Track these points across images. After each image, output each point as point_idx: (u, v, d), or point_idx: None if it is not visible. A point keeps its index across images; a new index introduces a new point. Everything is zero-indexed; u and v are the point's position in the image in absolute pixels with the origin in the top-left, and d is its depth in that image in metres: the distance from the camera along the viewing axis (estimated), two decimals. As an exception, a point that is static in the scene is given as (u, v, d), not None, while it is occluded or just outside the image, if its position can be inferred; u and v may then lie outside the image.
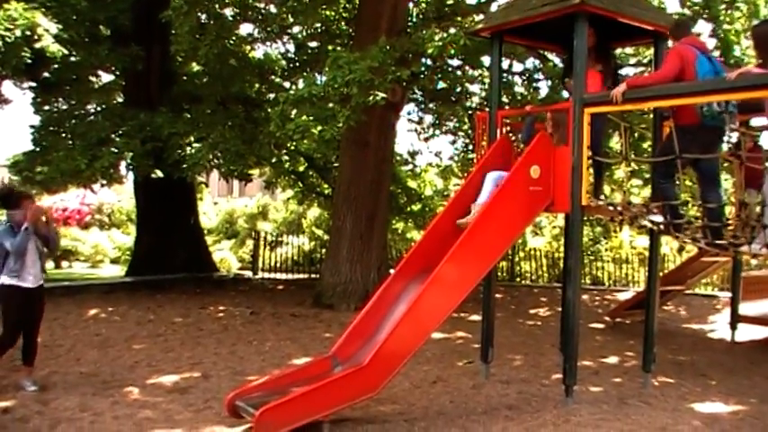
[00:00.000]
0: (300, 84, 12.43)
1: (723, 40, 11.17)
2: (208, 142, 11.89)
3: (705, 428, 5.55)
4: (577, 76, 5.98)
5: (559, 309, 8.93)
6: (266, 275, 17.53)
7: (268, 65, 15.08)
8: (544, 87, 13.91)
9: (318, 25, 14.35)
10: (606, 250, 18.91)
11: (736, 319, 9.83)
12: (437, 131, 16.11)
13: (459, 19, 12.43)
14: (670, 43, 6.43)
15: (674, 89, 5.54)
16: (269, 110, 11.98)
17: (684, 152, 5.59)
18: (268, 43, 15.18)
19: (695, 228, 6.12)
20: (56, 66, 12.02)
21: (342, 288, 11.69)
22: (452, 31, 10.76)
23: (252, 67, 14.39)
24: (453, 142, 16.39)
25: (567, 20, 5.96)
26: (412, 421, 5.59)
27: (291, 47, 15.42)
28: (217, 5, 11.47)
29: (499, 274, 16.64)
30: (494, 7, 11.32)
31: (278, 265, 18.47)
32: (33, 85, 13.27)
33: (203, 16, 11.31)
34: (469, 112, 14.24)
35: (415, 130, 16.31)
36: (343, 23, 14.46)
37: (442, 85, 14.06)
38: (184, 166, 11.87)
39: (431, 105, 15.36)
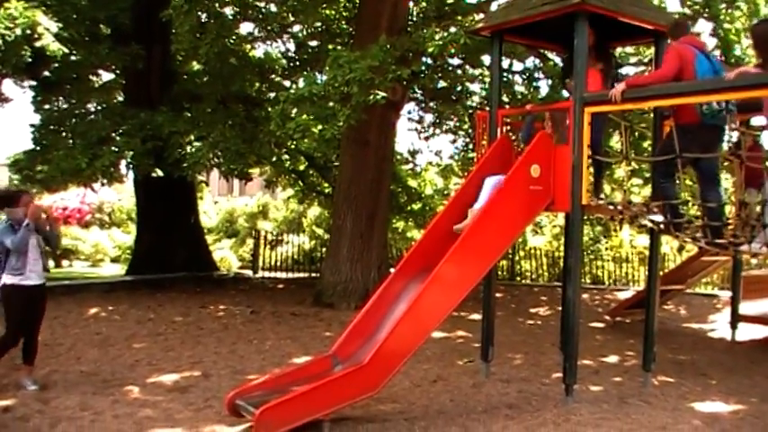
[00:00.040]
0: (301, 83, 12.41)
1: (723, 39, 11.17)
2: (208, 141, 11.90)
3: (705, 428, 5.55)
4: (578, 76, 5.98)
5: (559, 308, 8.93)
6: (266, 274, 17.54)
7: (268, 64, 15.08)
8: (544, 87, 13.92)
9: (319, 24, 14.35)
10: (606, 249, 18.91)
11: (736, 319, 9.83)
12: (437, 130, 16.10)
13: (459, 18, 12.42)
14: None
15: (674, 89, 5.55)
16: (269, 109, 11.97)
17: (685, 151, 5.59)
18: (268, 42, 15.20)
19: (695, 227, 6.12)
20: (56, 64, 12.03)
21: (342, 287, 11.69)
22: (453, 30, 10.75)
23: (252, 66, 14.39)
24: (453, 141, 16.39)
25: (568, 19, 5.96)
26: (412, 420, 5.59)
27: (292, 46, 15.43)
28: (217, 4, 11.47)
29: (499, 273, 16.64)
30: (494, 6, 11.33)
31: (278, 264, 18.47)
32: (34, 83, 13.28)
33: (204, 15, 11.31)
34: (470, 111, 14.23)
35: (416, 129, 16.30)
36: (343, 22, 14.45)
37: (442, 84, 14.06)
38: (185, 164, 11.87)
39: (431, 104, 15.35)
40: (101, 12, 12.67)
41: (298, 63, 14.95)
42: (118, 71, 14.45)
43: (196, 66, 15.17)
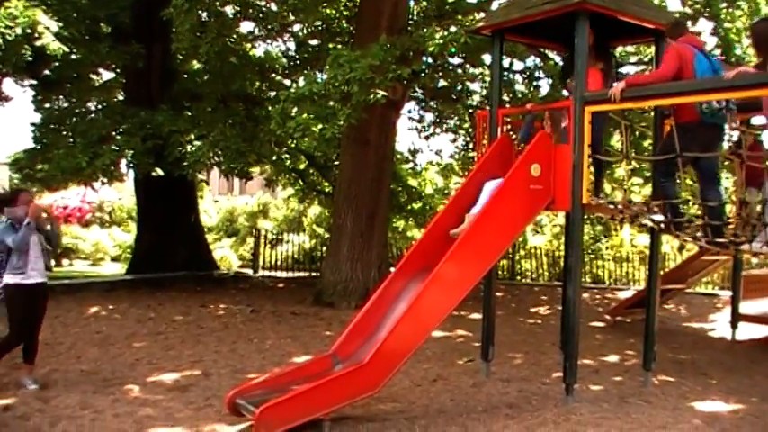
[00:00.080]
0: (301, 82, 12.42)
1: (724, 38, 11.16)
2: (208, 140, 11.89)
3: (705, 427, 5.55)
4: (578, 75, 5.98)
5: (560, 307, 8.93)
6: (267, 273, 17.55)
7: (269, 63, 15.08)
8: (545, 86, 13.92)
9: (319, 23, 14.34)
10: (607, 249, 18.91)
11: (736, 318, 9.83)
12: (438, 130, 16.08)
13: (459, 17, 12.41)
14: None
15: (673, 88, 5.55)
16: (270, 108, 11.97)
17: (685, 150, 5.60)
18: (269, 41, 15.18)
19: (696, 226, 6.12)
20: (56, 63, 12.04)
21: (342, 286, 11.69)
22: (453, 29, 10.76)
23: (252, 65, 14.38)
24: (454, 141, 16.38)
25: (568, 18, 5.96)
26: (412, 419, 5.59)
27: (292, 45, 15.42)
28: (217, 3, 11.45)
29: (500, 272, 16.64)
30: (495, 5, 11.31)
31: (278, 263, 18.48)
32: (34, 82, 13.28)
33: (204, 14, 11.30)
34: (470, 110, 14.22)
35: (416, 129, 16.28)
36: (343, 21, 14.45)
37: (442, 83, 14.04)
38: (185, 163, 11.87)
39: (431, 104, 15.34)
40: (101, 10, 12.66)
41: (298, 62, 14.94)
42: (118, 70, 14.44)
43: (196, 65, 15.17)
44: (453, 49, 9.79)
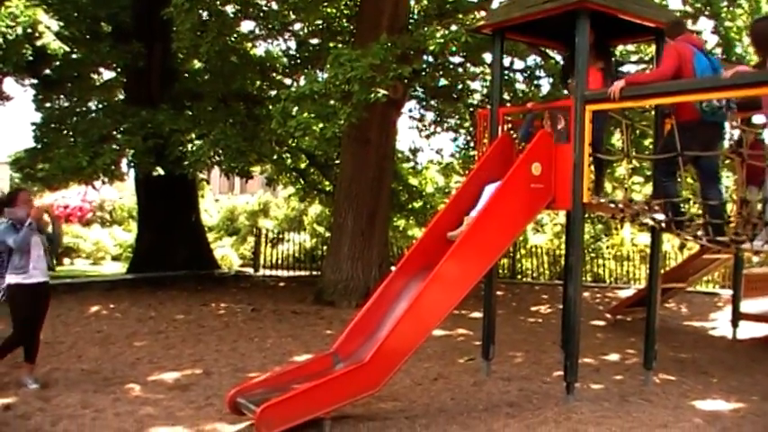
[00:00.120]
0: (302, 81, 12.42)
1: (725, 37, 11.16)
2: (209, 139, 11.89)
3: (706, 426, 5.55)
4: (579, 74, 5.97)
5: (560, 306, 8.93)
6: (267, 272, 17.54)
7: (269, 62, 15.09)
8: (545, 85, 13.92)
9: (320, 22, 14.34)
10: (607, 247, 18.92)
11: (737, 317, 9.83)
12: (438, 129, 16.09)
13: (460, 16, 12.41)
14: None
15: (673, 86, 5.56)
16: (270, 107, 11.97)
17: (685, 149, 5.60)
18: (269, 40, 15.18)
19: (697, 225, 6.12)
20: (57, 63, 12.06)
21: (343, 285, 11.69)
22: (454, 28, 10.75)
23: (253, 65, 14.39)
24: (455, 139, 16.39)
25: (569, 17, 5.95)
26: (413, 418, 5.59)
27: (293, 44, 15.42)
28: (218, 2, 11.45)
29: (500, 271, 16.64)
30: (495, 4, 11.30)
31: (279, 262, 18.47)
32: (35, 82, 13.30)
33: (204, 13, 11.30)
34: (471, 109, 14.22)
35: (417, 128, 16.30)
36: (344, 20, 14.44)
37: (443, 82, 14.04)
38: (186, 163, 11.87)
39: (432, 102, 15.34)
40: (101, 10, 12.68)
41: (299, 61, 14.94)
42: (119, 69, 14.44)
43: (197, 64, 15.17)
44: (454, 48, 9.79)
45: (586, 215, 8.62)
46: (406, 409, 5.88)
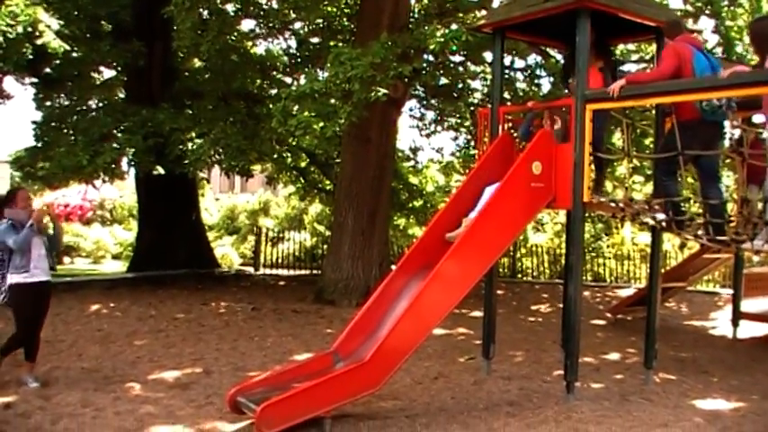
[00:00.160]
0: (302, 80, 12.42)
1: (725, 36, 11.15)
2: (209, 138, 11.89)
3: (707, 425, 5.55)
4: (580, 73, 5.97)
5: (561, 305, 8.93)
6: (268, 271, 17.54)
7: (270, 61, 15.07)
8: (546, 84, 13.92)
9: (320, 21, 14.33)
10: (608, 247, 18.91)
11: (737, 316, 9.83)
12: (439, 127, 16.09)
13: (460, 15, 12.41)
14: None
15: (672, 86, 5.57)
16: (271, 106, 11.97)
17: (686, 148, 5.60)
18: (270, 39, 15.18)
19: (697, 224, 6.12)
20: (57, 61, 12.04)
21: (343, 284, 11.69)
22: (454, 26, 10.75)
23: (253, 63, 14.38)
24: (455, 138, 16.38)
25: (570, 16, 5.95)
26: (413, 417, 5.59)
27: (293, 43, 15.42)
28: (218, 1, 11.45)
29: (501, 270, 16.62)
30: (496, 3, 11.30)
31: (279, 261, 18.47)
32: (35, 80, 13.29)
33: (205, 12, 11.30)
34: (471, 108, 14.22)
35: (417, 127, 16.31)
36: (344, 19, 14.44)
37: (443, 81, 14.04)
38: (186, 161, 11.86)
39: (432, 101, 15.34)
40: (102, 8, 12.66)
41: (299, 60, 14.94)
42: (119, 68, 14.43)
43: (197, 63, 15.18)
44: (454, 47, 9.78)
45: (587, 214, 8.63)
46: (406, 408, 5.88)
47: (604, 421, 5.54)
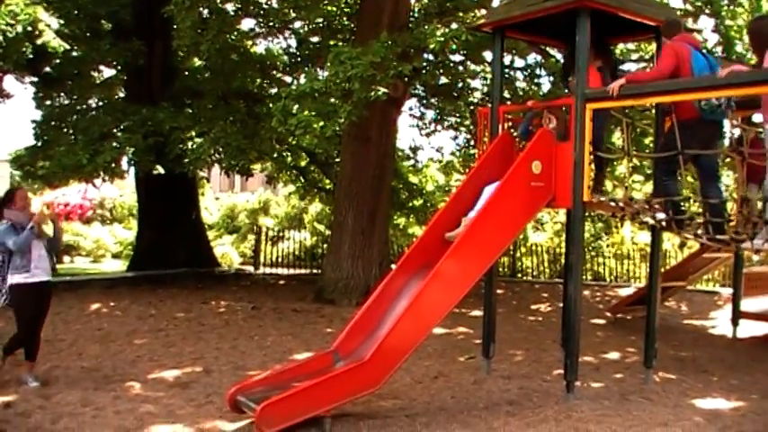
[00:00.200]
0: (302, 79, 12.41)
1: (725, 35, 11.15)
2: (209, 137, 11.90)
3: (706, 424, 5.55)
4: (580, 72, 5.97)
5: (561, 304, 8.93)
6: (268, 270, 17.55)
7: (270, 60, 15.08)
8: (546, 83, 13.93)
9: (320, 20, 14.32)
10: (607, 246, 18.92)
11: (737, 316, 9.83)
12: (439, 127, 16.09)
13: (460, 14, 12.41)
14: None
15: (671, 85, 5.57)
16: (270, 105, 11.97)
17: (685, 147, 5.61)
18: (270, 38, 15.17)
19: (697, 223, 6.12)
20: (57, 60, 12.05)
21: (343, 283, 11.69)
22: (454, 26, 10.75)
23: (253, 63, 14.39)
24: (455, 138, 16.39)
25: (569, 15, 5.95)
26: (413, 416, 5.59)
27: (293, 42, 15.41)
28: (218, 0, 11.45)
29: (500, 269, 16.64)
30: (496, 2, 11.30)
31: (279, 260, 18.48)
32: (35, 79, 13.29)
33: (205, 11, 11.30)
34: (471, 107, 14.22)
35: (417, 126, 16.31)
36: (344, 19, 14.43)
37: (443, 80, 14.05)
38: (186, 161, 11.87)
39: (432, 101, 15.34)
40: (102, 8, 12.67)
41: (299, 59, 14.94)
42: (119, 67, 14.44)
43: (197, 62, 15.17)
44: (454, 46, 9.78)
45: (587, 213, 8.62)
46: (406, 408, 5.88)
47: (604, 420, 5.53)
